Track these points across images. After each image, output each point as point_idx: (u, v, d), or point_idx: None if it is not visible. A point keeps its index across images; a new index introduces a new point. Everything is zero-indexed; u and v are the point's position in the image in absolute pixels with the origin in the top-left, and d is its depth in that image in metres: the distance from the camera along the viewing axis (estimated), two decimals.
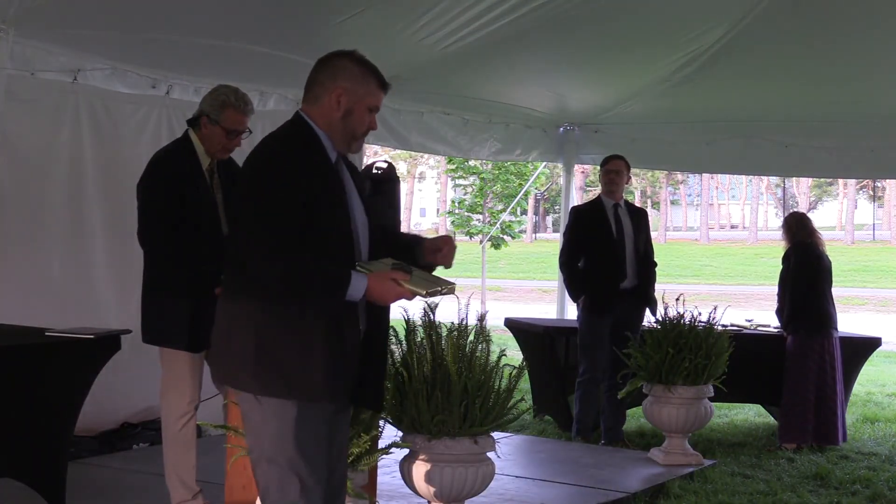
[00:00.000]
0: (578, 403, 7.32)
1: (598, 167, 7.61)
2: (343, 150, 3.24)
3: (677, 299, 6.67)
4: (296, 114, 3.23)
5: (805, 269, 7.47)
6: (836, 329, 7.51)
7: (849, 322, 8.52)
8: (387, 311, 3.32)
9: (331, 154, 3.19)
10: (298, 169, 3.05)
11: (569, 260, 7.41)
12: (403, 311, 4.46)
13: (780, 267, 7.70)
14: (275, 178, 3.03)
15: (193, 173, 4.71)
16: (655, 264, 7.45)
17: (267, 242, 2.98)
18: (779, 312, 7.67)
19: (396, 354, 4.46)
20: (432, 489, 4.47)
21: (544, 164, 13.39)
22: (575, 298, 7.32)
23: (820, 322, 7.42)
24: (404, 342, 4.45)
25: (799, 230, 7.61)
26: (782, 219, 8.10)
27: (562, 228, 7.97)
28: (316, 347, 3.06)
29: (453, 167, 24.36)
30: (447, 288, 3.17)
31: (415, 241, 3.41)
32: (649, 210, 67.36)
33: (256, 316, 3.07)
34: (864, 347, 8.19)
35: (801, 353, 7.38)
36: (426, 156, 42.89)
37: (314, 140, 3.16)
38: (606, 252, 7.23)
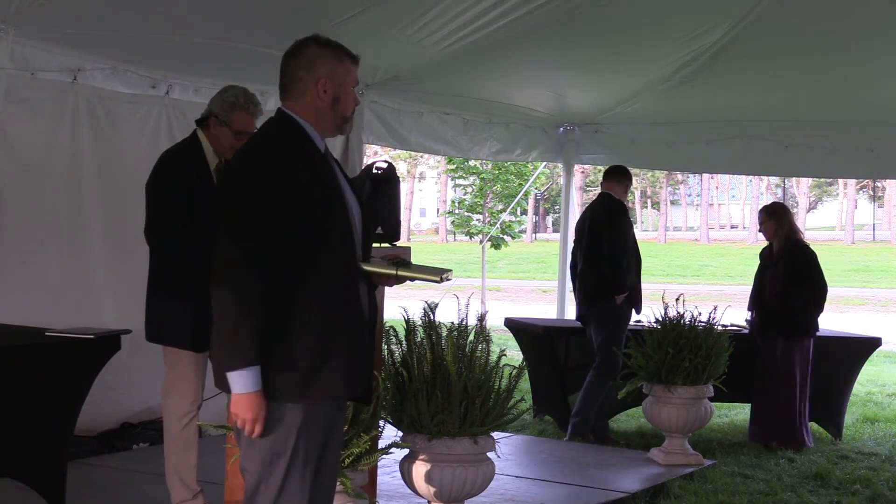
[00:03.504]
0: (589, 401, 7.20)
1: (604, 169, 7.65)
2: (334, 134, 3.27)
3: (677, 299, 6.67)
4: (279, 111, 3.21)
5: (818, 272, 7.38)
6: None
7: (849, 322, 8.52)
8: (377, 301, 3.32)
9: (319, 145, 3.19)
10: (289, 166, 3.03)
11: (620, 256, 7.24)
12: (403, 311, 4.47)
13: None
14: (261, 186, 3.01)
15: (201, 173, 4.71)
16: None
17: (241, 241, 3.05)
18: (767, 314, 7.44)
19: (396, 354, 4.46)
20: (432, 489, 4.47)
21: (544, 164, 13.39)
22: (624, 290, 7.18)
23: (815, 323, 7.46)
24: (404, 342, 4.45)
25: (787, 224, 7.47)
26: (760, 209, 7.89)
27: (562, 228, 7.95)
28: (330, 346, 3.04)
29: (453, 167, 24.33)
30: (449, 274, 3.26)
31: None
32: (649, 210, 67.61)
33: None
34: (864, 347, 8.17)
35: (790, 355, 7.33)
36: (426, 156, 42.90)
37: (302, 134, 3.15)
38: (635, 249, 7.37)
